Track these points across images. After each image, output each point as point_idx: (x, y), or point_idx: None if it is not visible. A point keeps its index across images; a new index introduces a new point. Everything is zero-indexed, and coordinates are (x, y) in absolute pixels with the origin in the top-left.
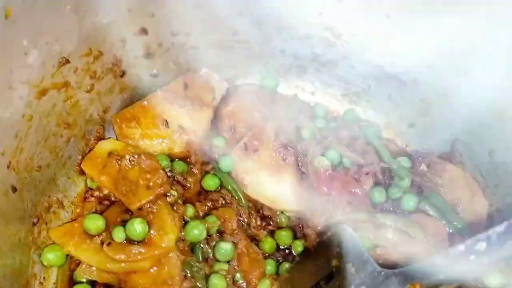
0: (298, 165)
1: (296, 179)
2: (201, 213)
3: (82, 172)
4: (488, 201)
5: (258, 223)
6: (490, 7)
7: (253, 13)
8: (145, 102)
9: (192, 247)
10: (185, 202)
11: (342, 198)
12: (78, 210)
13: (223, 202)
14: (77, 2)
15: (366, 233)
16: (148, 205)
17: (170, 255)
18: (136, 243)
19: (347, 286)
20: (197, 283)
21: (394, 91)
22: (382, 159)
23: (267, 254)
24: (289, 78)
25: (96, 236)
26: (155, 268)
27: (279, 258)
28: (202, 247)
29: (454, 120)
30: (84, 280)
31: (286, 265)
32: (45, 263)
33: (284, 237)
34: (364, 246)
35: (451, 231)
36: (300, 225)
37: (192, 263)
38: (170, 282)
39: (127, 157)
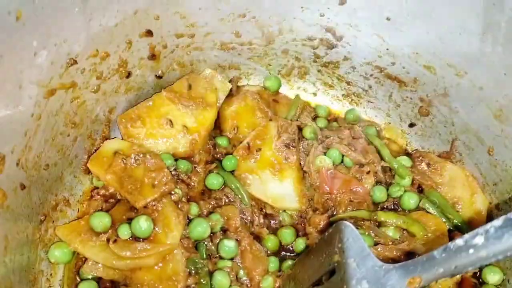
0: (300, 164)
1: (298, 178)
2: (205, 211)
3: (88, 171)
4: (488, 199)
5: (261, 221)
6: (486, 9)
7: (256, 16)
8: (150, 103)
9: (196, 245)
10: (189, 200)
11: (343, 197)
12: (84, 208)
13: (227, 200)
14: (85, 5)
15: (368, 231)
16: (153, 203)
17: (174, 252)
18: (141, 240)
19: (349, 280)
20: (201, 280)
21: (395, 91)
22: (383, 158)
23: (269, 252)
24: (291, 79)
25: (102, 234)
26: (160, 264)
27: (282, 256)
28: (206, 245)
29: (454, 119)
30: (90, 277)
31: (289, 262)
32: (52, 260)
33: (287, 235)
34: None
35: (451, 228)
36: (302, 224)
37: (196, 260)
38: (174, 279)
39: (133, 156)
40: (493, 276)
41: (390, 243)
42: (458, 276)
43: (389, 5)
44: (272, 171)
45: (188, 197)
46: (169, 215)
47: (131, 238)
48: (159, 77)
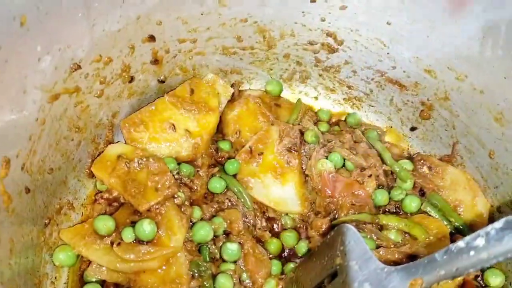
0: (302, 168)
1: (300, 182)
2: (207, 215)
3: (92, 175)
4: (489, 202)
5: (263, 224)
6: (486, 13)
7: (257, 20)
8: (153, 107)
9: (200, 248)
10: (192, 204)
11: (345, 200)
12: (88, 212)
13: (229, 204)
14: (88, 10)
15: (369, 234)
16: (157, 207)
17: (178, 255)
18: (145, 243)
19: (351, 283)
20: (204, 283)
21: (396, 95)
22: (385, 162)
23: (272, 255)
24: (293, 83)
25: (106, 237)
26: (163, 267)
27: (284, 259)
28: (209, 248)
29: (455, 123)
30: (94, 280)
31: (291, 265)
32: (56, 263)
33: (289, 238)
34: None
35: (452, 231)
36: (304, 227)
37: (200, 263)
38: (178, 281)
39: (136, 160)
40: (495, 279)
41: (392, 246)
42: (460, 279)
43: (389, 9)
44: (274, 175)
45: (191, 200)
46: (172, 218)
47: (134, 241)
48: (162, 81)
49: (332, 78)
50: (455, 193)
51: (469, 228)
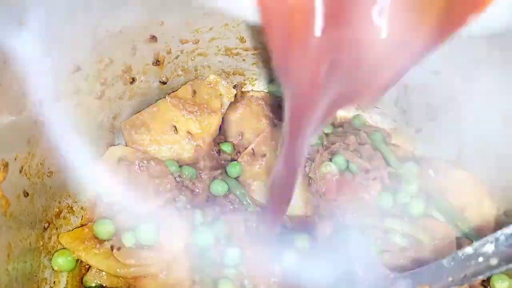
0: (305, 170)
1: (303, 185)
2: (209, 218)
3: None
4: (496, 205)
5: None
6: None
7: (260, 21)
8: (154, 109)
9: (201, 252)
10: (193, 207)
11: (349, 204)
12: (88, 215)
13: (231, 207)
14: (89, 11)
15: (374, 238)
16: (157, 210)
17: (179, 259)
18: (145, 247)
19: None
20: None
21: (401, 96)
22: (389, 164)
23: None
24: None
25: (106, 241)
26: (164, 272)
27: None
28: (210, 252)
29: (461, 125)
30: (94, 285)
31: None
32: (55, 268)
33: None
34: (372, 250)
35: (459, 235)
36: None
37: (201, 268)
38: (179, 286)
39: (137, 162)
40: (501, 283)
41: (397, 250)
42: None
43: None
44: None
45: (193, 203)
46: (173, 222)
47: (135, 246)
48: (164, 83)
49: None
50: (461, 196)
51: (475, 231)
